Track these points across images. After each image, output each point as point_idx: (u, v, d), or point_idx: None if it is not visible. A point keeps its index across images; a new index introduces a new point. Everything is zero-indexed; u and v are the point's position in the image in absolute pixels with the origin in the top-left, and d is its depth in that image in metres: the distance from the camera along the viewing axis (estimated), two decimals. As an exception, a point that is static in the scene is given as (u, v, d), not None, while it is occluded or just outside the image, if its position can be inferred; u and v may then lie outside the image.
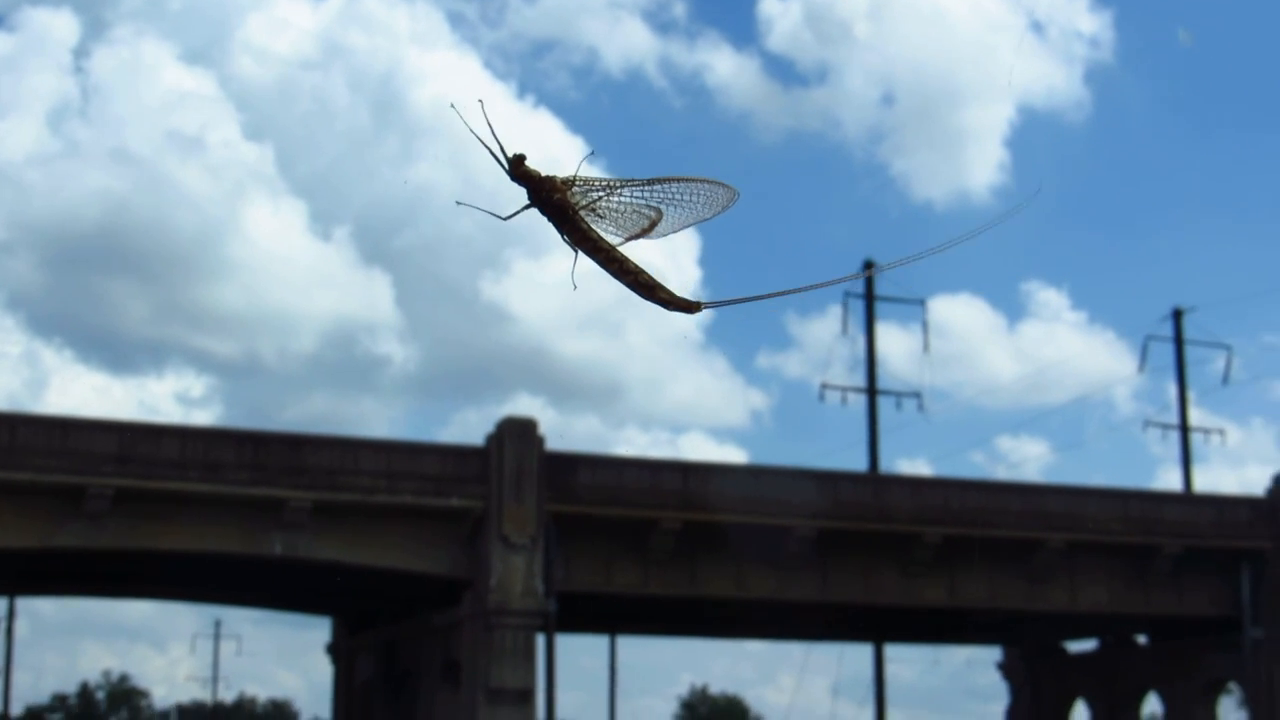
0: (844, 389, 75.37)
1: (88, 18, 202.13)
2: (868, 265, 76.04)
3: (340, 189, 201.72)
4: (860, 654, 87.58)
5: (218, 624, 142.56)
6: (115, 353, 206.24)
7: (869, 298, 76.42)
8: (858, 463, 72.62)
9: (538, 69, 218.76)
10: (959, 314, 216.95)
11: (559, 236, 7.85)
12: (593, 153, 7.88)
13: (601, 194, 7.80)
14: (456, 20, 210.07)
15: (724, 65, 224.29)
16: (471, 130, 7.71)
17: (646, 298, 7.83)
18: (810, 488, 59.13)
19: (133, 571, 60.35)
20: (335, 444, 54.37)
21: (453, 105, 7.76)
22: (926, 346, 78.06)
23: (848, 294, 76.60)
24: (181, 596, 77.53)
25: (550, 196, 7.76)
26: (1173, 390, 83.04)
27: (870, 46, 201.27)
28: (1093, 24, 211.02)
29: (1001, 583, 62.98)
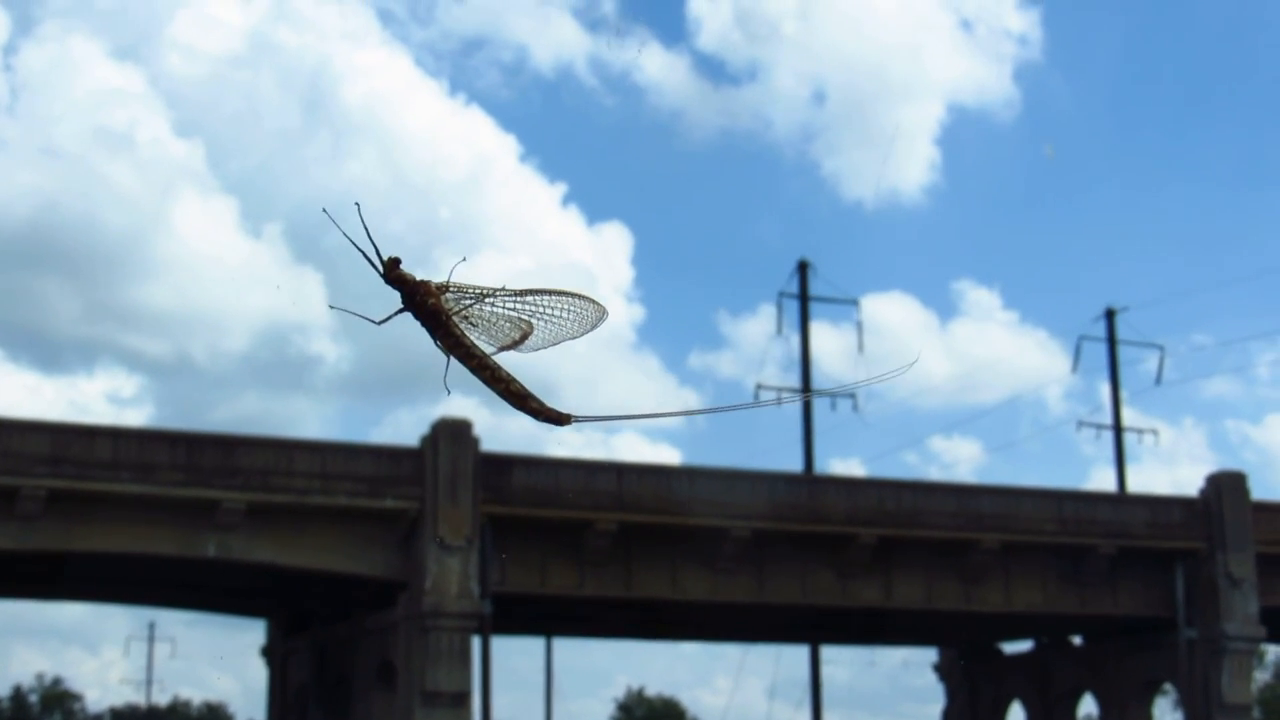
0: (779, 389, 75.53)
1: (16, 14, 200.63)
2: (802, 265, 76.35)
3: (271, 186, 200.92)
4: (797, 655, 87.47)
5: (151, 626, 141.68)
6: (45, 352, 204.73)
7: (803, 298, 76.56)
8: (793, 463, 72.77)
9: (468, 67, 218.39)
10: (890, 313, 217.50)
11: (432, 342, 7.81)
12: (464, 259, 7.85)
13: (474, 302, 7.75)
14: (386, 18, 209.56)
15: (654, 64, 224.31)
16: (345, 235, 7.66)
17: (517, 407, 7.81)
18: (746, 489, 59.15)
19: (66, 573, 59.82)
20: (269, 445, 54.08)
21: (324, 210, 7.70)
22: (861, 347, 78.35)
23: (782, 294, 76.79)
24: (115, 598, 76.98)
25: (424, 301, 7.71)
26: (1105, 390, 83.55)
27: (800, 45, 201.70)
28: (1021, 22, 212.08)
29: (937, 583, 63.15)
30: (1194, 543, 65.31)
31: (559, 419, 7.86)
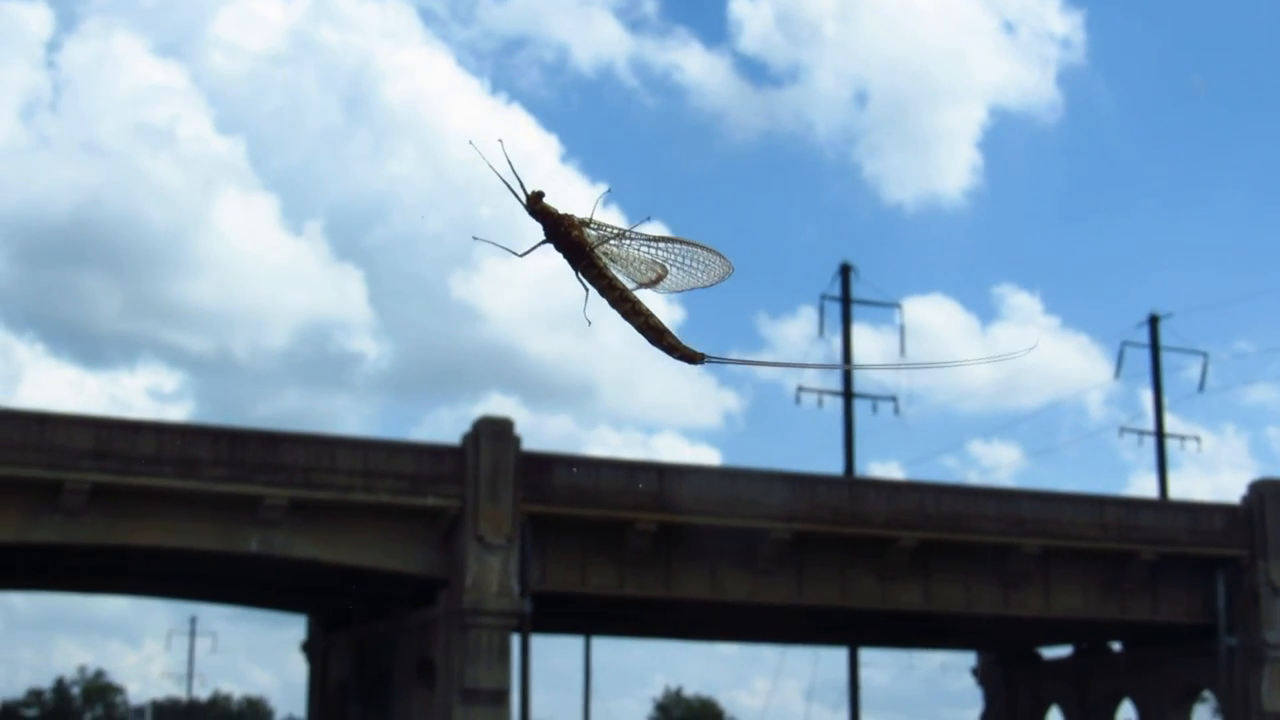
0: (820, 392, 75.51)
1: (59, 10, 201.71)
2: (844, 268, 76.33)
3: (312, 184, 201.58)
4: (835, 657, 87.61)
5: (193, 620, 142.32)
6: (88, 347, 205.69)
7: (845, 301, 76.52)
8: (832, 465, 72.80)
9: (509, 66, 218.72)
10: (931, 316, 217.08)
11: (574, 274, 7.96)
12: (610, 190, 8.02)
13: (613, 239, 7.93)
14: (428, 17, 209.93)
15: (695, 64, 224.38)
16: (491, 166, 7.80)
17: (653, 341, 7.95)
18: (786, 490, 59.17)
19: (108, 567, 60.24)
20: (312, 441, 54.33)
21: (471, 142, 7.85)
22: (903, 350, 78.17)
23: (824, 297, 76.77)
24: (157, 592, 77.43)
25: (569, 233, 7.87)
26: (1146, 396, 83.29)
27: (841, 47, 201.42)
28: (1064, 25, 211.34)
29: (977, 588, 63.06)
30: (1236, 550, 65.09)
31: (693, 357, 8.02)
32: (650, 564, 58.14)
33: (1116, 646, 76.59)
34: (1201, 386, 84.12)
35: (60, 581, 70.45)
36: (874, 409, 76.23)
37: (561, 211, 7.94)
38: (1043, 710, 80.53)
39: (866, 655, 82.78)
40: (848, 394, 75.29)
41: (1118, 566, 64.33)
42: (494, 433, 54.83)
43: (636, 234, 7.97)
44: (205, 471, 51.88)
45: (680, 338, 7.98)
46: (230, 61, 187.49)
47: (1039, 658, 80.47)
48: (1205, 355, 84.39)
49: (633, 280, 8.01)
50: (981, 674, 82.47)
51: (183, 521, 52.61)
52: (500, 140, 7.80)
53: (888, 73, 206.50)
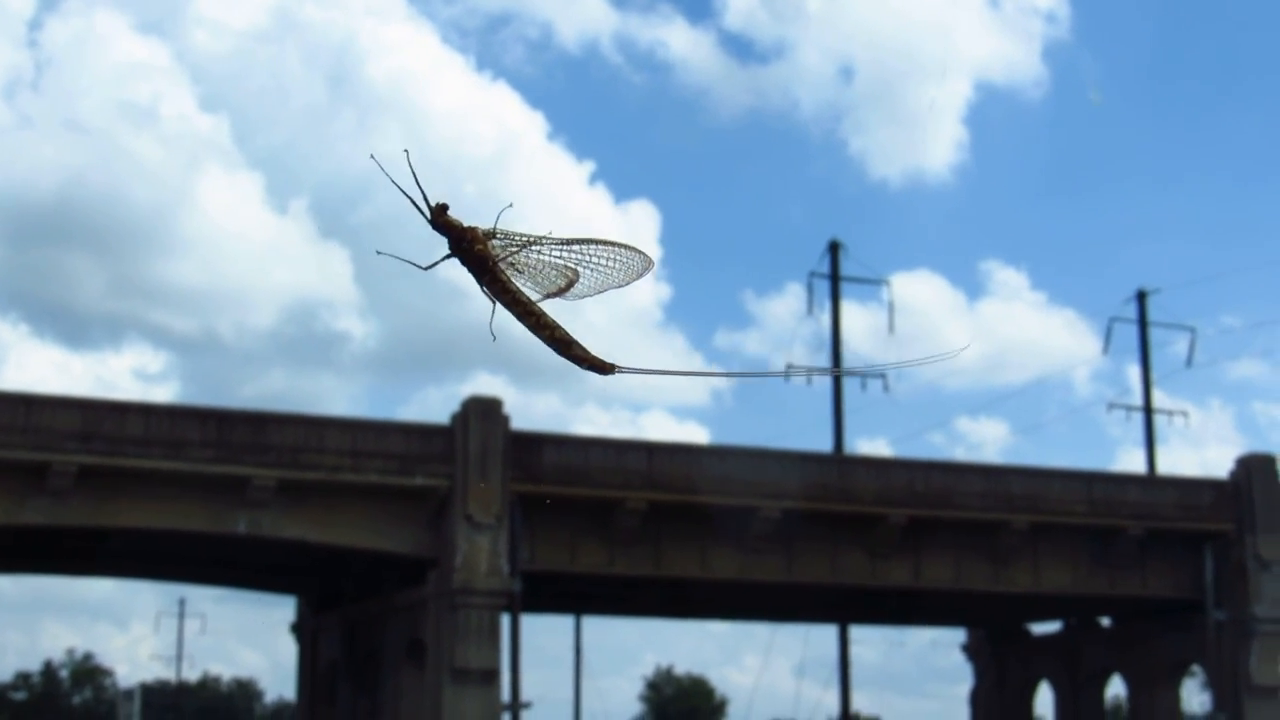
0: (809, 370, 75.50)
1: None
2: (833, 245, 76.27)
3: (296, 162, 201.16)
4: (825, 635, 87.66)
5: (182, 602, 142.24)
6: (72, 328, 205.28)
7: (834, 278, 76.46)
8: (820, 443, 72.76)
9: (494, 43, 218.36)
10: (917, 291, 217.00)
11: (478, 287, 7.84)
12: (510, 205, 7.88)
13: (520, 249, 7.80)
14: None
15: (680, 41, 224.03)
16: (393, 181, 7.69)
17: (561, 354, 7.84)
18: (775, 468, 59.15)
19: (96, 549, 60.10)
20: (300, 422, 54.20)
21: (372, 156, 7.74)
22: (891, 327, 78.13)
23: (813, 274, 76.70)
24: (145, 574, 77.38)
25: (471, 247, 7.74)
26: (1133, 372, 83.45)
27: (826, 22, 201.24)
28: (1049, 0, 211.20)
29: (966, 564, 63.10)
30: (1223, 525, 65.18)
31: (603, 367, 7.89)
32: (640, 543, 58.11)
33: (1105, 622, 76.72)
34: (1189, 362, 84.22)
35: (47, 564, 70.30)
36: (863, 386, 76.29)
37: (466, 225, 7.83)
38: (1032, 685, 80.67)
39: (856, 632, 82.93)
40: (838, 369, 75.30)
41: (1106, 542, 64.39)
42: (483, 412, 54.74)
43: (543, 239, 7.86)
44: (193, 453, 51.76)
45: (589, 347, 7.88)
46: (213, 39, 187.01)
47: (1028, 633, 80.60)
48: (1193, 331, 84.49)
49: (540, 290, 7.89)
50: (971, 650, 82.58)
51: (170, 503, 52.48)
52: (406, 151, 7.71)
53: (873, 48, 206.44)
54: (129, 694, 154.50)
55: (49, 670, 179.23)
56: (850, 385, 75.55)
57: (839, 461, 64.84)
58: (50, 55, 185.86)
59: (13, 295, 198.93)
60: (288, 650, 73.62)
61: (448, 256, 7.86)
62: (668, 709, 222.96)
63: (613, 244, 7.91)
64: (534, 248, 7.86)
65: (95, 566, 70.65)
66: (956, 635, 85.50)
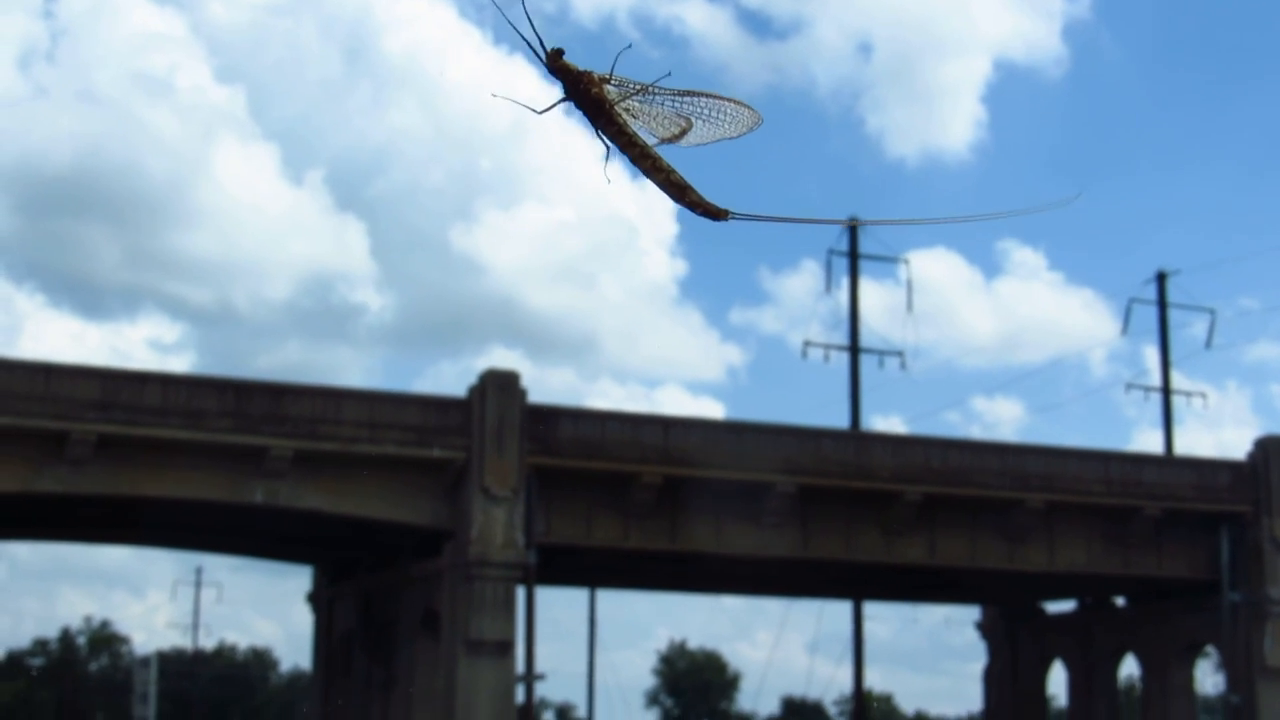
0: (827, 346, 75.48)
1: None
2: (851, 223, 76.21)
3: (312, 134, 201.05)
4: (839, 611, 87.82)
5: (199, 571, 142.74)
6: (88, 298, 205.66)
7: (853, 255, 76.43)
8: (838, 420, 72.77)
9: (510, 16, 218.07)
10: (934, 269, 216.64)
11: (594, 132, 7.86)
12: (630, 46, 7.89)
13: (636, 94, 7.81)
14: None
15: (697, 16, 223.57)
16: (510, 23, 7.71)
17: (676, 198, 7.85)
18: (791, 444, 59.19)
19: (113, 517, 60.34)
20: (318, 393, 54.33)
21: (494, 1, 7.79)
22: (910, 305, 78.10)
23: (831, 252, 76.73)
24: (162, 543, 77.61)
25: (588, 90, 7.75)
26: (1151, 353, 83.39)
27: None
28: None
29: (981, 542, 63.14)
30: (1240, 506, 65.14)
31: (717, 213, 7.92)
32: (655, 517, 58.20)
33: (1120, 601, 76.74)
34: (1209, 343, 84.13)
35: (65, 532, 70.57)
36: (880, 364, 76.28)
37: (583, 69, 7.83)
38: (1046, 664, 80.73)
39: (870, 609, 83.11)
40: (854, 349, 75.29)
41: (1122, 522, 64.37)
42: (500, 385, 54.84)
43: (659, 89, 7.87)
44: (211, 423, 51.91)
45: (703, 195, 7.90)
46: (229, 10, 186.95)
47: (1043, 612, 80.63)
48: (1213, 312, 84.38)
49: (655, 135, 7.91)
50: (985, 628, 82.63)
51: (188, 472, 52.67)
52: (523, 1, 7.73)
53: (892, 24, 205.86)
54: (145, 661, 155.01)
55: (66, 637, 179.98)
56: (867, 362, 75.62)
57: (855, 438, 64.88)
58: (66, 26, 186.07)
59: (29, 266, 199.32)
60: (303, 620, 74.08)
61: (563, 100, 7.88)
62: (681, 683, 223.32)
63: (725, 98, 7.96)
64: (650, 96, 7.87)
65: (112, 535, 70.93)
66: (970, 613, 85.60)
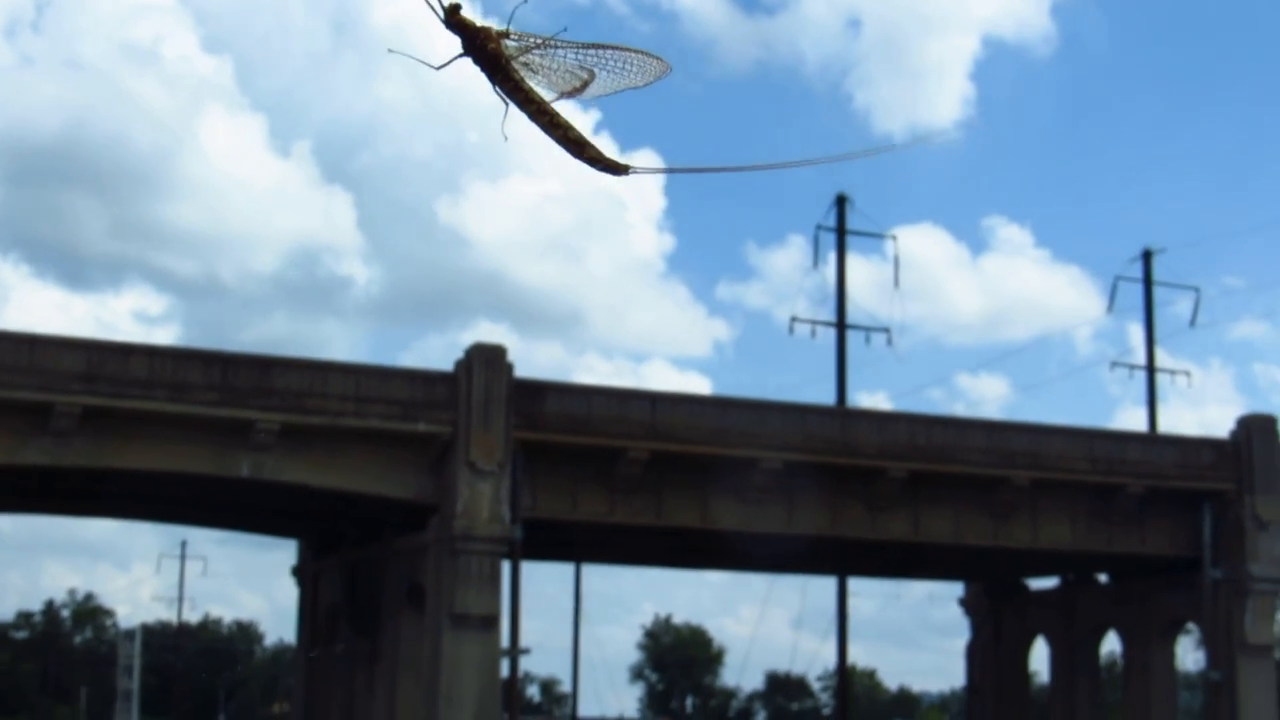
0: (813, 322, 75.56)
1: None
2: (840, 199, 76.22)
3: (299, 106, 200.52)
4: (823, 587, 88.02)
5: (184, 544, 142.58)
6: (73, 269, 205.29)
7: (840, 232, 76.47)
8: (822, 395, 72.84)
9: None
10: (921, 245, 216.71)
11: (491, 88, 7.74)
12: (525, 1, 7.79)
13: (536, 49, 7.69)
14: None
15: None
16: None
17: (575, 155, 7.74)
18: (777, 420, 59.27)
19: (98, 489, 60.25)
20: (304, 366, 54.31)
21: None
22: (897, 282, 78.18)
23: (819, 227, 76.79)
24: (147, 516, 77.53)
25: (484, 45, 7.63)
26: (1135, 331, 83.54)
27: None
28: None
29: (966, 519, 63.29)
30: (1222, 484, 65.35)
31: (617, 168, 7.81)
32: (641, 492, 58.29)
33: (1103, 578, 76.97)
34: (1193, 322, 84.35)
35: (49, 504, 70.50)
36: (867, 340, 76.38)
37: (480, 24, 7.73)
38: (1029, 640, 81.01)
39: (854, 584, 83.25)
40: (841, 325, 75.36)
41: (1106, 499, 64.57)
42: (486, 359, 54.85)
43: (561, 42, 7.76)
44: (197, 395, 51.88)
45: (606, 153, 7.79)
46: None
47: (1026, 588, 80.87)
48: (1197, 291, 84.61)
49: (556, 89, 7.80)
50: (969, 604, 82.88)
51: (174, 445, 52.62)
52: None
53: (880, 1, 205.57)
54: (130, 634, 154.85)
55: (50, 610, 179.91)
56: (854, 339, 75.71)
57: (841, 414, 64.97)
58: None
59: (14, 236, 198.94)
60: (288, 593, 73.98)
61: (460, 56, 7.78)
62: (665, 658, 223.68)
63: (630, 49, 7.84)
64: (551, 50, 7.76)
65: (97, 507, 70.87)
66: (954, 589, 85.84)
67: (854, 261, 78.70)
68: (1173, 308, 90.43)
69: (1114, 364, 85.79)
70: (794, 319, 76.00)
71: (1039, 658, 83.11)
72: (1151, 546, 66.53)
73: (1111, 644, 79.91)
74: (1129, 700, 74.47)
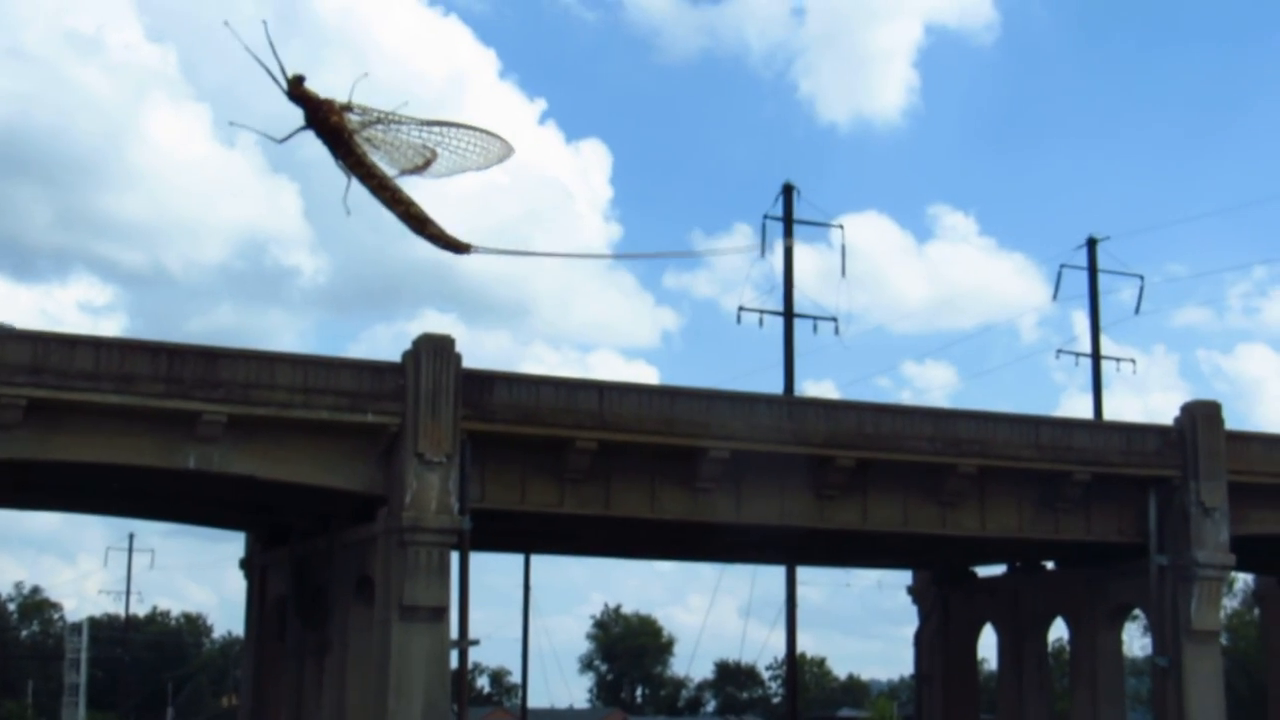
0: (761, 312, 75.78)
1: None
2: (787, 188, 76.42)
3: (245, 94, 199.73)
4: (772, 576, 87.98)
5: (131, 537, 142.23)
6: (17, 260, 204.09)
7: (788, 221, 76.73)
8: (770, 385, 73.01)
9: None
10: (867, 233, 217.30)
11: (334, 160, 7.72)
12: (365, 75, 7.80)
13: (379, 124, 7.68)
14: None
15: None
16: (249, 50, 7.65)
17: (416, 230, 7.76)
18: (725, 409, 59.36)
19: (43, 483, 59.96)
20: (251, 357, 54.09)
21: (227, 23, 7.73)
22: (844, 271, 78.49)
23: (766, 217, 77.02)
24: (93, 509, 77.23)
25: (327, 118, 7.63)
26: (1079, 318, 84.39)
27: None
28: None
29: (914, 507, 63.56)
30: (1168, 471, 65.79)
31: (458, 246, 7.82)
32: (590, 482, 58.34)
33: (1050, 565, 77.43)
34: (1138, 309, 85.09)
35: (-6, 497, 70.05)
36: (814, 329, 76.65)
37: (323, 97, 7.72)
38: (977, 627, 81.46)
39: (803, 573, 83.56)
40: (788, 314, 75.58)
41: (1053, 486, 64.94)
42: (434, 349, 54.77)
43: (403, 117, 7.77)
44: (143, 387, 51.60)
45: (445, 227, 7.77)
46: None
47: (974, 576, 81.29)
48: (1142, 278, 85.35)
49: (396, 166, 7.82)
50: (917, 592, 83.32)
51: (120, 437, 52.35)
52: (264, 22, 7.66)
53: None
54: (77, 628, 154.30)
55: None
56: (801, 328, 75.98)
57: (789, 403, 65.14)
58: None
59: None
60: (237, 586, 73.87)
61: (303, 128, 7.76)
62: (615, 647, 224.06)
63: (474, 128, 7.84)
64: (394, 126, 7.75)
65: (43, 500, 70.49)
66: (902, 577, 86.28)
67: (801, 250, 78.79)
68: (1117, 295, 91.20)
69: (1059, 351, 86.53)
70: (741, 308, 76.26)
71: (987, 645, 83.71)
72: (1098, 533, 66.94)
73: (1059, 630, 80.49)
74: (1076, 686, 74.94)
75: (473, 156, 6.46)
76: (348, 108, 6.30)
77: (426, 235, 6.37)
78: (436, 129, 6.39)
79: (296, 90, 6.33)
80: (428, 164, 6.41)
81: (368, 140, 6.36)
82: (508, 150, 6.46)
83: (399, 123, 6.32)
